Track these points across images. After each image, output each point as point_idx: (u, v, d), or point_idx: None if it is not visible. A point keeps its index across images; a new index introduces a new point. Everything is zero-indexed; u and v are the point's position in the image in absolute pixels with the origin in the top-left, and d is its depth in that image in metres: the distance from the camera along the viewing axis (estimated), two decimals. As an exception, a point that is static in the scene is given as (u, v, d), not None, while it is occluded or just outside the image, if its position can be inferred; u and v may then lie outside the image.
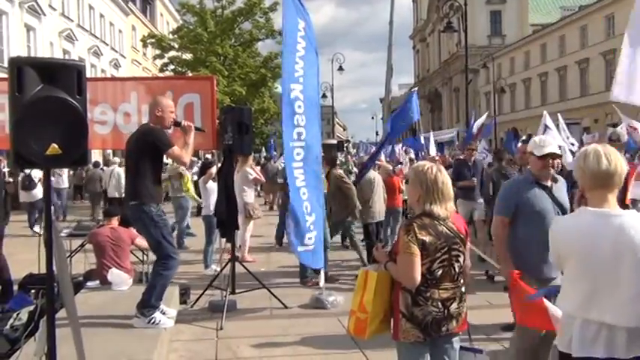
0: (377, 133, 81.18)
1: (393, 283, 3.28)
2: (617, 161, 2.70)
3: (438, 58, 68.74)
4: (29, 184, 13.65)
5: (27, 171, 13.18)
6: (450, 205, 3.28)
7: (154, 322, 5.12)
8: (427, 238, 3.13)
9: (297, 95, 6.75)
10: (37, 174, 13.47)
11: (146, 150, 5.17)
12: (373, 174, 9.49)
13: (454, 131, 20.09)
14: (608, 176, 2.68)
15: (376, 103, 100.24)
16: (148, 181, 5.19)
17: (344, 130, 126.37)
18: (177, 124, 5.44)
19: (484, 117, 21.80)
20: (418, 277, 3.12)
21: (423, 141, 18.26)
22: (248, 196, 9.94)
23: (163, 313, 5.34)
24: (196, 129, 5.50)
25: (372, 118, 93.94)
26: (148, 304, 5.17)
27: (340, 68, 42.68)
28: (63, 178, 17.33)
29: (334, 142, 32.68)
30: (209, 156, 10.76)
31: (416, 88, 16.85)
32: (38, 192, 13.53)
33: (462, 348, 3.42)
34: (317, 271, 7.61)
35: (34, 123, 3.22)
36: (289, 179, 6.77)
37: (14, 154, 3.26)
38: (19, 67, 3.23)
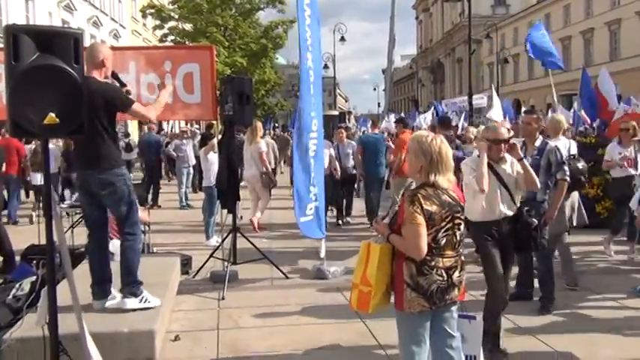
0: (379, 105, 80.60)
1: (393, 254, 3.28)
2: None
3: (441, 28, 67.99)
4: (127, 147, 16.43)
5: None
6: (451, 175, 3.28)
7: (145, 300, 4.80)
8: (433, 208, 3.14)
9: (310, 65, 6.79)
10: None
11: (106, 108, 4.53)
12: None
13: (484, 96, 18.87)
14: None
15: (379, 74, 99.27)
16: (111, 142, 4.66)
17: (346, 101, 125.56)
18: (114, 75, 4.71)
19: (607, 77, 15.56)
20: (425, 247, 3.12)
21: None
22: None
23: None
24: (121, 84, 4.76)
25: (374, 89, 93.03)
26: (135, 282, 4.83)
27: (342, 39, 41.99)
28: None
29: (336, 113, 32.43)
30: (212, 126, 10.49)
31: (539, 21, 15.22)
32: (133, 154, 16.96)
33: (458, 315, 3.47)
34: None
35: (30, 92, 3.16)
36: (299, 149, 6.74)
37: (11, 123, 3.21)
38: (14, 34, 3.16)
